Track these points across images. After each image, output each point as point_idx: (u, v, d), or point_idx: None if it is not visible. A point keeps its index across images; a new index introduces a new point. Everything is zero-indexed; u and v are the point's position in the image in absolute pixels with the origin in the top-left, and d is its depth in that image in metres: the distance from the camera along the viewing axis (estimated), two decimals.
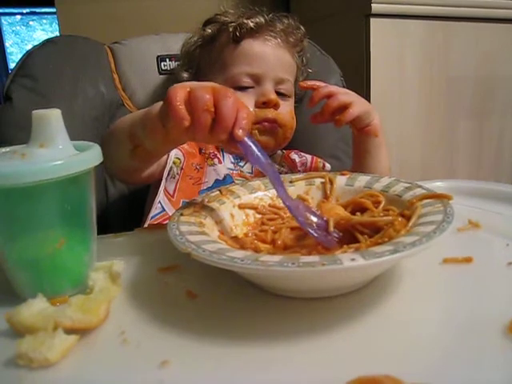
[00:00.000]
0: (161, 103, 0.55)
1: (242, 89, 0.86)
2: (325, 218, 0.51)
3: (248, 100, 0.85)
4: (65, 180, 0.41)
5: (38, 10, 3.68)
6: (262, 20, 0.88)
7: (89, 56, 0.99)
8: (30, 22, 3.87)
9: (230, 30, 0.87)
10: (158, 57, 1.02)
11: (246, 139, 0.49)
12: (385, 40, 1.53)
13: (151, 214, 0.77)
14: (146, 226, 0.76)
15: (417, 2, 1.56)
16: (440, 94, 1.69)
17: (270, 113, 0.85)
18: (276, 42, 0.89)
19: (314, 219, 0.50)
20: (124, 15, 1.64)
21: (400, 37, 1.57)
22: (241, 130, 0.48)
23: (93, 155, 0.44)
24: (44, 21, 3.96)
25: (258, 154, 0.49)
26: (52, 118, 0.43)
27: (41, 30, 3.81)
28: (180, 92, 0.49)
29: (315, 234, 0.47)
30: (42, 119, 0.43)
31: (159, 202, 0.78)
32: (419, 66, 1.63)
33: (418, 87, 1.64)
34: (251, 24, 0.87)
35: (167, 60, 1.02)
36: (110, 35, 1.11)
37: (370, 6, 1.45)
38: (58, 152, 0.42)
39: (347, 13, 1.57)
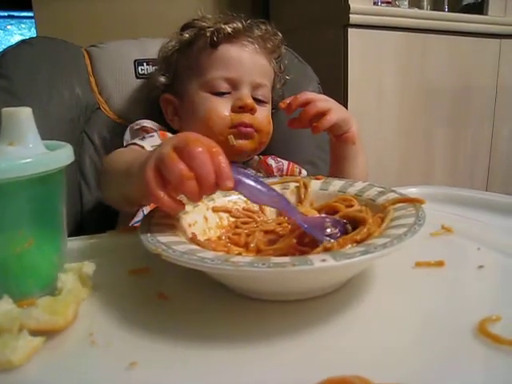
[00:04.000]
0: (137, 163, 0.51)
1: (219, 94, 0.86)
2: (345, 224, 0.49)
3: (225, 105, 0.85)
4: (34, 179, 0.40)
5: (16, 13, 3.64)
6: (240, 25, 0.89)
7: (65, 58, 0.98)
8: (8, 26, 3.81)
9: (208, 34, 0.87)
10: (135, 61, 1.02)
11: (238, 184, 0.45)
12: (362, 50, 1.56)
13: (134, 221, 0.76)
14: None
15: (394, 14, 1.59)
16: (417, 104, 1.72)
17: (246, 117, 0.85)
18: (253, 48, 0.89)
19: (335, 230, 0.48)
20: (102, 20, 1.63)
21: (378, 48, 1.59)
22: (227, 182, 0.44)
23: (64, 154, 0.43)
24: (22, 25, 3.90)
25: (258, 190, 0.47)
26: (22, 116, 0.42)
27: (19, 34, 3.75)
28: (152, 177, 0.44)
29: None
30: (12, 117, 0.42)
31: (142, 210, 0.77)
32: (396, 76, 1.65)
33: (395, 97, 1.67)
34: (229, 29, 0.87)
35: (145, 64, 1.02)
36: (88, 40, 1.10)
37: (348, 17, 1.47)
38: (27, 150, 0.41)
39: (326, 23, 1.59)
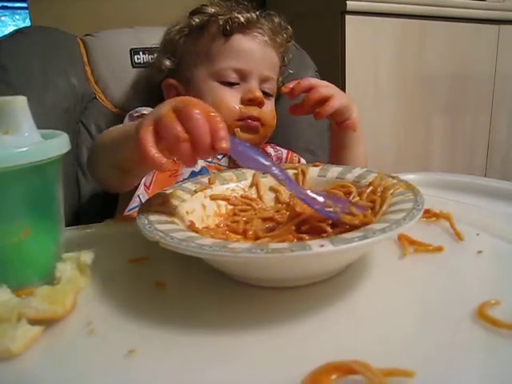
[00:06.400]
0: (132, 129, 0.52)
1: (228, 84, 0.86)
2: (344, 200, 0.51)
3: (234, 97, 0.85)
4: (30, 168, 0.39)
5: (10, 4, 3.60)
6: (254, 16, 0.88)
7: (60, 47, 0.97)
8: (2, 18, 3.78)
9: (220, 22, 0.86)
10: (131, 50, 1.01)
11: (233, 146, 0.45)
12: (360, 37, 1.55)
13: (129, 207, 0.76)
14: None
15: (392, 1, 1.57)
16: (414, 91, 1.72)
17: (254, 111, 0.85)
18: (264, 40, 0.89)
19: (338, 204, 0.49)
20: (98, 9, 1.61)
21: (375, 34, 1.58)
22: (222, 142, 0.44)
23: (60, 143, 0.43)
24: (17, 16, 3.86)
25: (253, 156, 0.47)
26: (17, 105, 0.42)
27: (13, 25, 3.71)
28: (146, 135, 0.45)
29: (334, 218, 0.47)
30: (7, 106, 0.42)
31: (138, 195, 0.77)
32: (394, 64, 1.64)
33: (393, 84, 1.66)
34: (242, 19, 0.86)
35: (141, 53, 1.01)
36: (83, 30, 1.09)
37: (346, 4, 1.46)
38: (23, 139, 0.41)
39: (323, 10, 1.58)
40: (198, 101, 0.47)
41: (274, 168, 0.48)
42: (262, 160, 0.48)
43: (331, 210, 0.47)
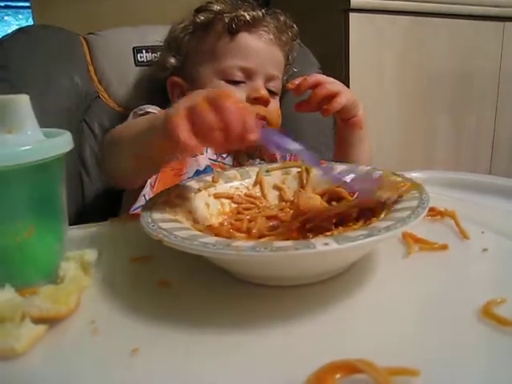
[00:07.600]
0: (159, 118, 0.52)
1: (234, 83, 0.85)
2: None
3: (239, 95, 0.84)
4: (33, 166, 0.39)
5: (13, 3, 3.61)
6: (260, 14, 0.88)
7: (63, 46, 0.97)
8: (5, 17, 3.79)
9: (226, 20, 0.86)
10: (134, 48, 1.01)
11: (262, 136, 0.47)
12: (364, 35, 1.54)
13: (134, 206, 0.76)
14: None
15: None
16: (418, 89, 1.71)
17: (260, 109, 0.85)
18: (269, 38, 0.89)
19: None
20: (100, 8, 1.61)
21: (379, 32, 1.57)
22: (252, 134, 0.45)
23: (63, 142, 0.43)
24: (20, 16, 3.87)
25: (283, 144, 0.49)
26: (20, 104, 0.42)
27: (16, 24, 3.73)
28: (178, 120, 0.45)
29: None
30: (10, 104, 0.41)
31: (143, 195, 0.77)
32: (398, 61, 1.64)
33: (397, 82, 1.65)
34: (248, 17, 0.86)
35: (144, 51, 1.01)
36: (87, 29, 1.09)
37: (349, 1, 1.45)
38: (26, 138, 0.41)
39: (326, 7, 1.57)
40: (229, 92, 0.48)
41: (303, 152, 0.50)
42: (291, 146, 0.49)
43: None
